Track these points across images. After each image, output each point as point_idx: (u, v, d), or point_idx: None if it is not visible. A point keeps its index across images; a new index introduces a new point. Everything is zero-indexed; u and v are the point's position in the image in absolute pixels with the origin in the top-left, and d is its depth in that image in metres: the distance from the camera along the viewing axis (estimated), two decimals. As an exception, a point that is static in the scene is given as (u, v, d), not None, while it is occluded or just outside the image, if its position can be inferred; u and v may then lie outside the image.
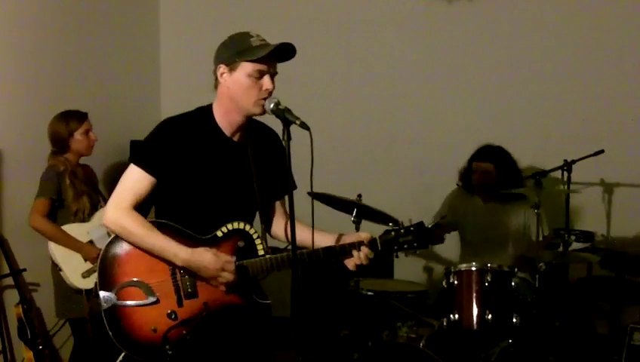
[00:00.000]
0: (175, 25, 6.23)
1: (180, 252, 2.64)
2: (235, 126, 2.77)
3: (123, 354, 2.71)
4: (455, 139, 5.36)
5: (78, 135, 4.24)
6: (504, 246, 4.54)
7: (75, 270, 4.13)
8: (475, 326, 3.67)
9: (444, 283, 3.86)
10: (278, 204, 3.03)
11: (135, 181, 2.69)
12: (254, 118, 2.77)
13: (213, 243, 2.73)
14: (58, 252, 4.14)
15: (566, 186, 4.57)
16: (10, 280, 4.55)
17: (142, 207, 2.73)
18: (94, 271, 4.13)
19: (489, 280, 3.68)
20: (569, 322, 4.45)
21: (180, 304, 2.69)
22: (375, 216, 4.30)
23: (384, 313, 4.15)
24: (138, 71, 6.04)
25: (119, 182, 2.73)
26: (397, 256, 3.05)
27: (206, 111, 2.81)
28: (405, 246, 2.90)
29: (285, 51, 2.68)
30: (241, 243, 2.76)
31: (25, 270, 4.54)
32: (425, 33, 5.54)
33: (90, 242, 4.19)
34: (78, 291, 4.14)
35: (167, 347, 2.64)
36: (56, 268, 4.17)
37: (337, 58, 5.72)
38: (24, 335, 4.45)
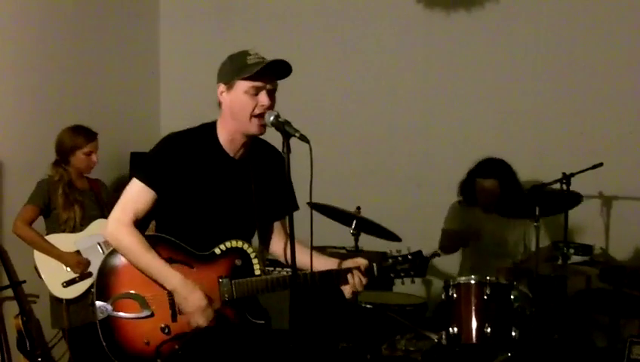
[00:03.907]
0: (175, 37, 6.26)
1: (171, 278, 2.67)
2: (237, 144, 2.79)
3: None
4: (454, 150, 5.38)
5: (80, 153, 4.27)
6: (504, 258, 4.55)
7: (56, 279, 4.15)
8: (474, 340, 3.66)
9: (443, 296, 3.86)
10: (278, 223, 3.02)
11: (136, 195, 2.72)
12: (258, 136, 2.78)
13: (210, 259, 2.75)
14: (39, 260, 4.17)
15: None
16: (9, 292, 4.55)
17: (143, 220, 2.74)
18: (76, 282, 4.16)
19: (488, 293, 3.68)
20: (568, 335, 4.44)
21: (174, 319, 2.70)
22: (374, 229, 4.31)
23: (383, 326, 4.14)
24: (138, 83, 6.06)
25: (122, 195, 2.75)
26: (403, 283, 3.02)
27: (210, 128, 2.82)
28: (402, 274, 2.91)
29: (282, 68, 2.69)
30: (238, 262, 2.77)
31: (24, 282, 4.55)
32: (424, 44, 5.56)
33: (78, 252, 4.20)
34: (59, 300, 4.16)
35: (159, 361, 2.66)
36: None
37: (336, 69, 5.73)
38: (23, 347, 4.45)
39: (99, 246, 4.25)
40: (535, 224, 4.07)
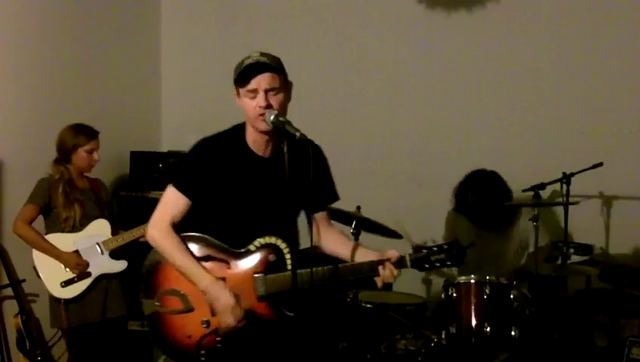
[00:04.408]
0: (176, 37, 6.26)
1: (203, 279, 2.82)
2: (260, 143, 2.88)
3: (163, 358, 2.97)
4: (454, 150, 5.37)
5: (82, 151, 4.27)
6: (501, 261, 4.55)
7: (54, 278, 4.16)
8: (473, 339, 3.67)
9: (442, 295, 3.86)
10: (321, 217, 3.10)
11: (172, 202, 2.89)
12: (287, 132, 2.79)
13: (246, 256, 2.88)
14: (38, 259, 4.17)
15: (565, 199, 4.57)
16: (9, 291, 4.56)
17: (183, 220, 2.91)
18: (74, 282, 4.16)
19: (488, 292, 3.69)
20: (568, 335, 4.44)
21: (213, 313, 2.83)
22: (374, 228, 4.31)
23: (383, 325, 4.14)
24: (139, 83, 6.06)
25: (160, 200, 2.93)
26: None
27: (240, 129, 2.93)
28: (437, 264, 2.90)
29: (269, 65, 2.76)
30: (272, 258, 2.87)
31: (24, 281, 4.55)
32: (424, 45, 5.55)
33: (77, 252, 4.20)
34: (58, 300, 4.16)
35: (202, 353, 2.81)
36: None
37: (336, 69, 5.73)
38: (23, 346, 4.46)
39: (98, 247, 4.25)
40: (534, 224, 4.07)
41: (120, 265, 4.30)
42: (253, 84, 2.74)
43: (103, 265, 4.26)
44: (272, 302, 2.84)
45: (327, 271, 2.84)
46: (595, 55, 5.10)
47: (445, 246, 2.89)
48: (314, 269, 2.82)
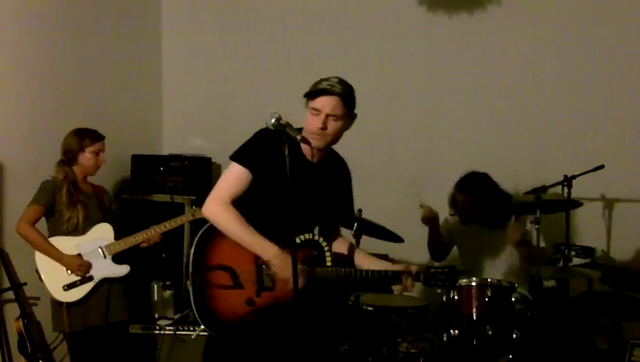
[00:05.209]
0: (177, 40, 6.27)
1: (270, 249, 3.01)
2: (310, 149, 3.07)
3: (200, 329, 3.06)
4: (456, 153, 5.38)
5: (88, 152, 4.28)
6: (501, 265, 4.54)
7: (57, 282, 4.15)
8: (475, 342, 3.67)
9: (444, 298, 3.86)
10: (336, 226, 3.43)
11: (235, 177, 3.06)
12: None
13: (290, 247, 3.01)
14: (40, 261, 4.17)
15: (566, 201, 4.57)
16: (10, 294, 4.55)
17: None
18: (77, 285, 4.16)
19: (489, 295, 3.68)
20: (569, 337, 4.44)
21: (258, 294, 3.02)
22: (376, 232, 4.31)
23: (384, 328, 4.15)
24: (140, 86, 6.07)
25: (220, 178, 3.11)
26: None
27: (296, 132, 3.07)
28: (440, 283, 3.27)
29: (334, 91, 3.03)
30: (314, 253, 3.10)
31: (25, 284, 4.55)
32: (426, 47, 5.56)
33: (79, 255, 4.20)
34: (60, 303, 4.16)
35: (242, 329, 2.98)
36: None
37: (338, 71, 5.65)
38: (24, 350, 4.45)
39: (100, 250, 4.25)
40: (536, 226, 4.07)
41: (122, 270, 4.30)
42: (318, 103, 3.02)
43: (106, 269, 4.26)
44: (309, 292, 3.03)
45: (358, 272, 3.18)
46: (597, 57, 5.11)
47: (447, 270, 3.28)
48: (350, 270, 3.17)
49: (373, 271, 3.20)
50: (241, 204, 3.07)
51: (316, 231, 3.22)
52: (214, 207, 3.04)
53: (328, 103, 3.01)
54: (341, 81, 3.07)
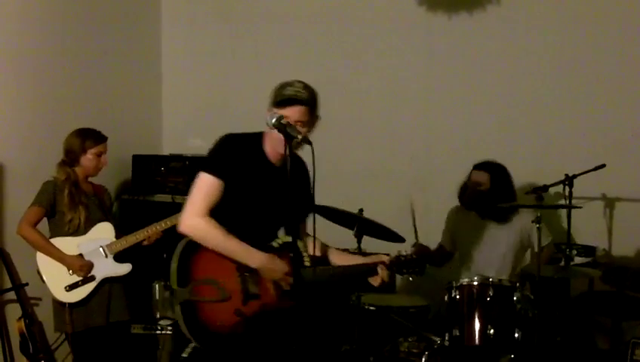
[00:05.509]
0: (177, 41, 6.27)
1: (256, 256, 3.04)
2: (275, 154, 3.14)
3: (192, 346, 3.16)
4: (456, 153, 5.37)
5: (90, 154, 4.28)
6: (504, 262, 4.54)
7: (58, 282, 4.15)
8: (476, 341, 3.67)
9: (445, 297, 3.86)
10: (304, 224, 3.41)
11: (207, 188, 3.05)
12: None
13: (269, 252, 3.10)
14: (41, 262, 4.16)
15: (567, 201, 4.57)
16: (12, 295, 4.56)
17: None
18: (79, 286, 4.16)
19: (491, 294, 3.68)
20: (570, 337, 4.44)
21: (244, 303, 3.02)
22: (377, 231, 4.31)
23: (386, 328, 4.14)
24: (140, 86, 6.07)
25: (192, 191, 3.08)
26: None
27: (260, 136, 3.19)
28: (411, 270, 3.38)
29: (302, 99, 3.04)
30: (291, 255, 3.02)
31: (27, 284, 4.56)
32: (425, 47, 5.56)
33: (81, 255, 4.20)
34: (62, 304, 4.16)
35: (235, 341, 2.98)
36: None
37: (337, 71, 5.73)
38: (26, 350, 4.46)
39: (102, 250, 4.25)
40: (537, 226, 4.06)
41: (124, 268, 4.31)
42: (287, 111, 2.99)
43: (108, 268, 4.26)
44: (293, 294, 3.04)
45: (334, 270, 3.27)
46: (597, 56, 5.10)
47: (415, 257, 3.39)
48: (328, 267, 3.24)
49: (352, 266, 3.28)
50: (214, 213, 3.06)
51: (282, 232, 3.25)
52: (195, 221, 3.03)
53: (297, 111, 3.02)
54: (306, 87, 3.07)
